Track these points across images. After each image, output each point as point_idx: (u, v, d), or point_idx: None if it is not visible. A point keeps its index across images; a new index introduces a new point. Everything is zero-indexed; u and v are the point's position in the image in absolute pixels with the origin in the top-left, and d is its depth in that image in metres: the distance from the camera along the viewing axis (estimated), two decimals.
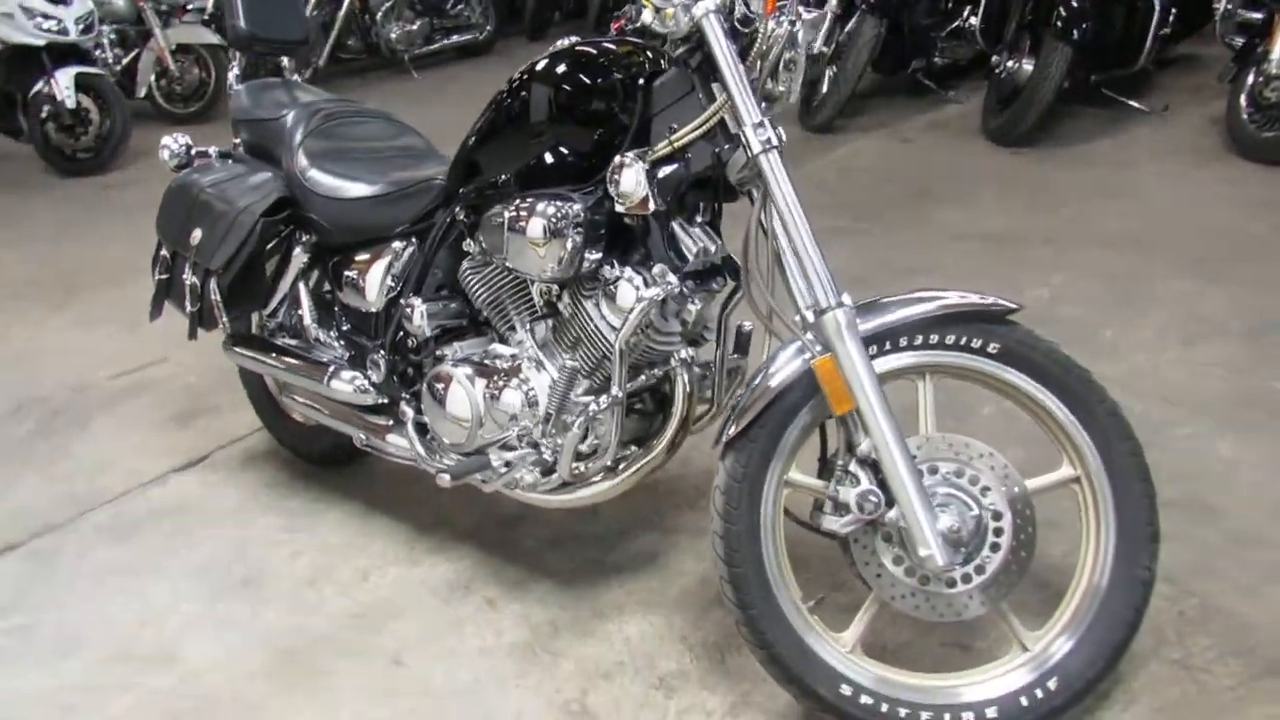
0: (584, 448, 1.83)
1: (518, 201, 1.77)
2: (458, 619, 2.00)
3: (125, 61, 7.17)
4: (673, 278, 1.70)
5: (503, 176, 1.83)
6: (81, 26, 5.98)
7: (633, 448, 1.88)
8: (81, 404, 3.07)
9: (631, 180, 1.65)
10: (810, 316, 1.56)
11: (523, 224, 1.73)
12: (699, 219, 1.77)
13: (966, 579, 1.53)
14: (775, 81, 1.63)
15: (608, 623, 1.94)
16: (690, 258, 1.72)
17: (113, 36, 7.21)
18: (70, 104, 5.93)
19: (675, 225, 1.74)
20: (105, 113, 6.08)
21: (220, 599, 2.14)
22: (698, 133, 1.64)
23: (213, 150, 2.40)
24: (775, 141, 1.57)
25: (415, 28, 8.15)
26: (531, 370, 1.88)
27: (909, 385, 1.61)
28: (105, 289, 3.97)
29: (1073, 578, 1.60)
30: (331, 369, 2.16)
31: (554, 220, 1.71)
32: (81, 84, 5.93)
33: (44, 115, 5.95)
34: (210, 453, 2.73)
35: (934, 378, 1.61)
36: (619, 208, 1.69)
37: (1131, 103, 5.00)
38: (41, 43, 5.81)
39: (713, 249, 1.74)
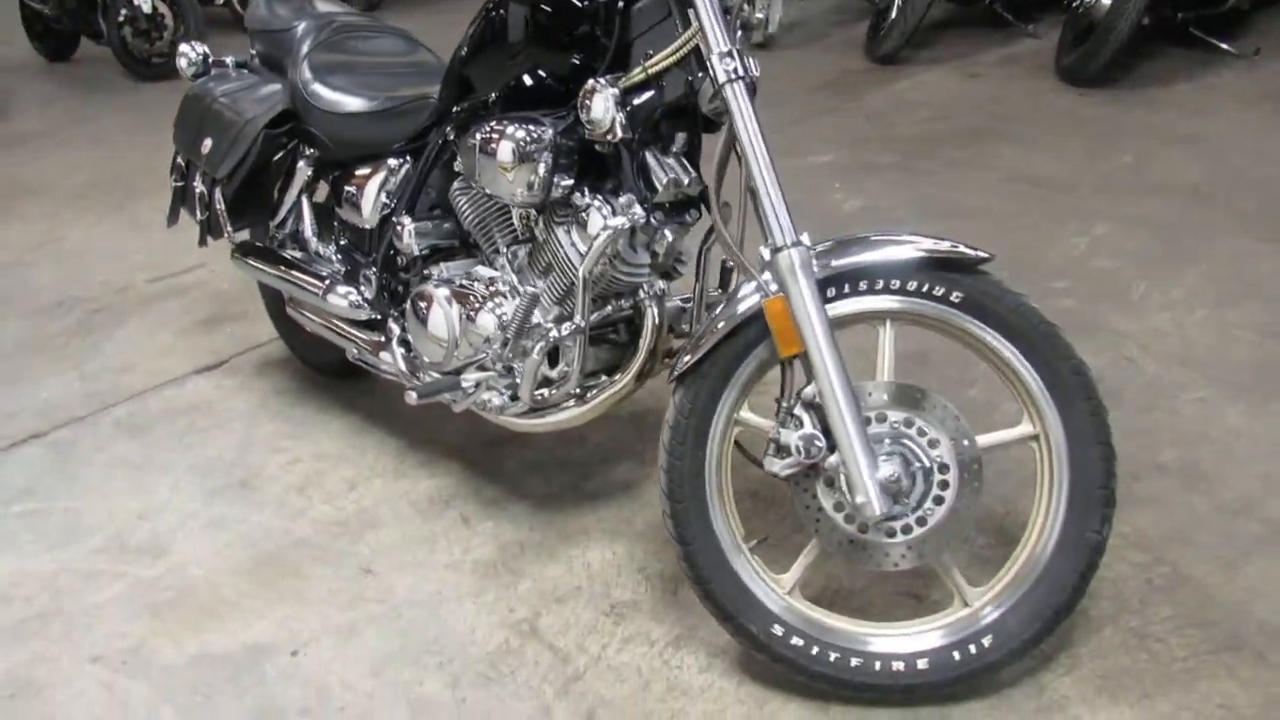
0: (554, 374, 1.84)
1: (491, 124, 1.75)
2: (431, 534, 2.06)
3: None
4: (639, 209, 1.68)
5: (489, 96, 1.82)
6: None
7: (604, 377, 1.88)
8: (120, 304, 3.20)
9: (601, 106, 1.62)
10: (767, 254, 1.52)
11: (493, 147, 1.72)
12: (674, 149, 1.73)
13: (907, 530, 1.51)
14: (752, 7, 1.57)
15: (572, 548, 1.97)
16: (660, 188, 1.69)
17: None
18: (146, 8, 6.05)
19: (648, 155, 1.70)
20: (179, 18, 6.19)
21: (216, 498, 2.23)
22: (671, 60, 1.60)
23: (229, 60, 2.43)
24: (742, 72, 1.52)
25: None
26: (507, 294, 1.88)
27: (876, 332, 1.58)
28: (162, 194, 4.05)
29: (1019, 539, 1.56)
30: (328, 283, 2.20)
31: (523, 144, 1.69)
32: None
33: (121, 19, 6.09)
34: (230, 358, 2.82)
35: (895, 325, 1.57)
36: (589, 134, 1.67)
37: (1219, 44, 4.69)
38: None
39: (685, 181, 1.71)
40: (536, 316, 1.83)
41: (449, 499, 2.15)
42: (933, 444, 1.51)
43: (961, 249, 1.53)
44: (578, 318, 1.73)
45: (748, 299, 1.54)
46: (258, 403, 2.60)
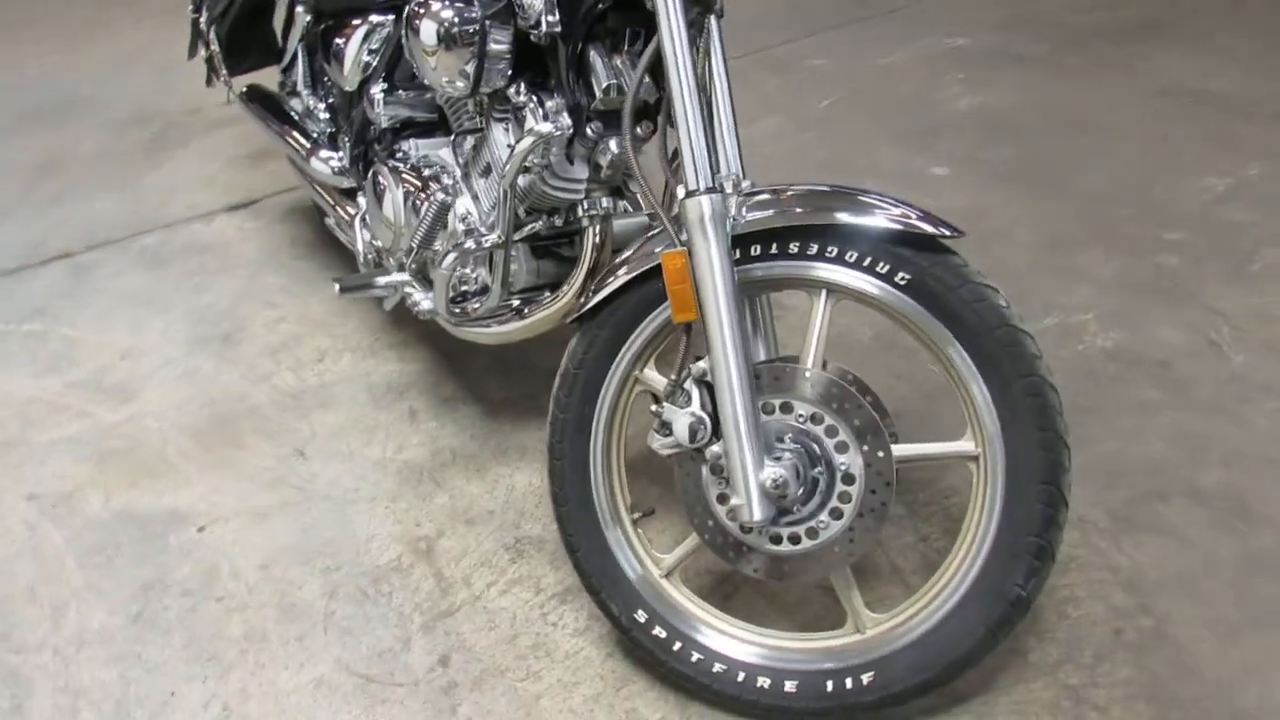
0: (475, 286, 1.67)
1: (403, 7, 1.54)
2: (375, 424, 1.97)
3: None
4: (565, 118, 1.45)
5: None
6: None
7: (548, 293, 1.70)
8: (188, 126, 3.20)
9: None
10: (680, 195, 1.27)
11: (417, 24, 1.50)
12: (626, 50, 1.46)
13: (794, 540, 1.29)
14: None
15: (503, 465, 1.85)
16: (599, 94, 1.45)
17: None
18: None
19: (592, 53, 1.45)
20: None
21: (197, 349, 2.22)
22: None
23: None
24: None
25: None
26: (448, 188, 1.70)
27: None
28: None
29: (938, 568, 1.32)
30: (311, 145, 2.07)
31: (447, 26, 1.47)
32: None
33: None
34: (260, 198, 2.78)
35: (832, 300, 1.30)
36: (520, 22, 1.43)
37: None
38: None
39: (629, 87, 1.45)
40: (461, 221, 1.65)
41: (405, 388, 2.06)
42: (841, 447, 1.27)
43: (917, 221, 1.23)
44: (497, 232, 1.54)
45: (653, 247, 1.31)
46: (270, 250, 2.56)
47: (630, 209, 1.64)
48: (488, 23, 1.47)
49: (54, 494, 1.86)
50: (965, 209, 2.56)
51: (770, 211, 1.27)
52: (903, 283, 1.24)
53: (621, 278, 1.33)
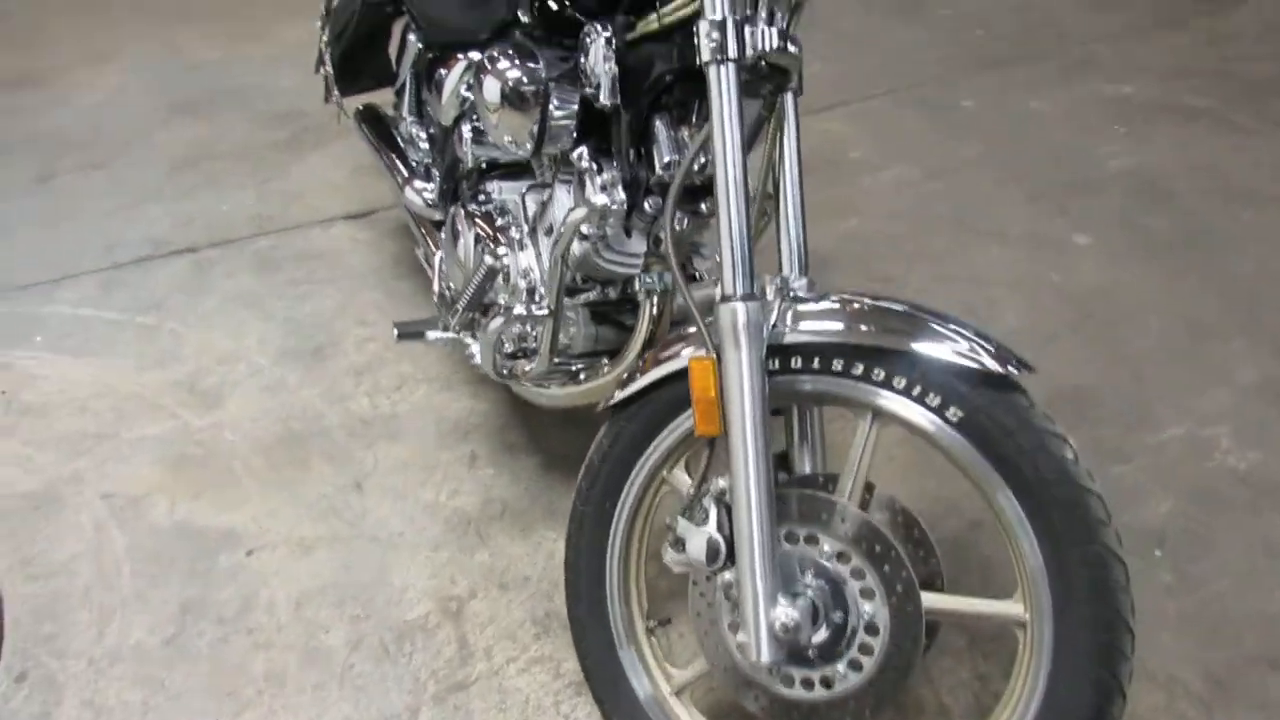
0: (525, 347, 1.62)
1: (494, 48, 1.48)
2: (435, 464, 1.95)
3: None
4: (620, 192, 1.37)
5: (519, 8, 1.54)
6: None
7: (605, 360, 1.63)
8: (325, 130, 3.27)
9: (594, 57, 1.31)
10: (717, 297, 1.18)
11: (483, 78, 1.45)
12: (694, 121, 1.37)
13: (808, 686, 1.18)
14: None
15: (549, 528, 1.79)
16: (659, 168, 1.36)
17: None
18: None
19: (657, 124, 1.36)
20: None
21: (286, 360, 2.26)
22: (686, 11, 1.23)
23: None
24: (734, 52, 1.13)
25: None
26: (513, 242, 1.65)
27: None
28: None
29: None
30: (408, 174, 2.06)
31: (511, 84, 1.42)
32: None
33: None
34: (377, 210, 2.82)
35: (878, 422, 1.17)
36: (585, 89, 1.36)
37: None
38: None
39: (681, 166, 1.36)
40: (523, 278, 1.59)
41: (471, 429, 2.03)
42: (867, 594, 1.15)
43: (984, 357, 1.09)
44: (546, 302, 1.48)
45: (686, 346, 1.22)
46: (375, 265, 2.58)
47: (702, 276, 1.56)
48: (552, 85, 1.41)
49: (126, 496, 1.93)
50: (1098, 285, 2.34)
51: (817, 324, 1.16)
52: (955, 419, 1.11)
53: (650, 375, 1.25)
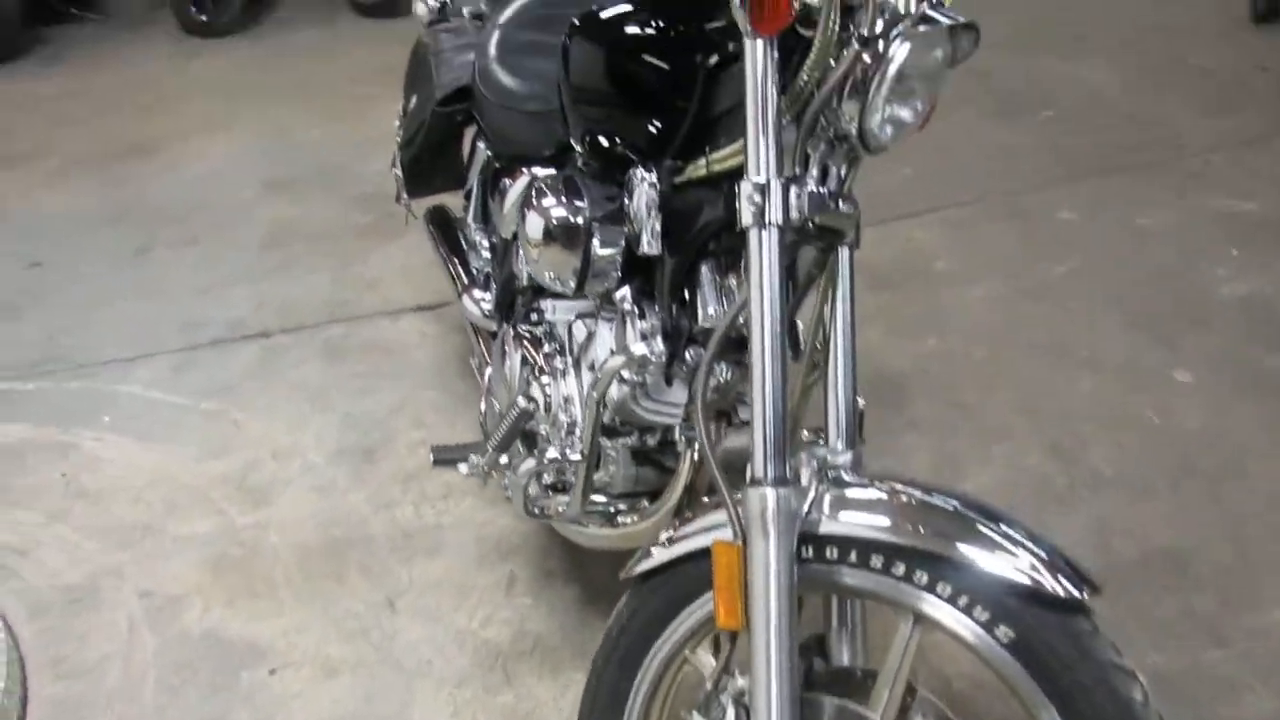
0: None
1: (535, 176, 1.44)
2: (472, 585, 1.88)
3: None
4: (659, 342, 1.29)
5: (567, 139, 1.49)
6: None
7: (645, 502, 1.54)
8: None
9: (639, 203, 1.25)
10: (747, 478, 1.08)
11: (527, 213, 1.41)
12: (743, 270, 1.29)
13: None
14: (837, 118, 1.08)
15: (578, 669, 1.69)
16: (701, 318, 1.28)
17: None
18: None
19: (704, 269, 1.29)
20: None
21: (339, 460, 2.24)
22: (734, 161, 1.16)
23: (466, 10, 2.27)
24: (777, 218, 1.05)
25: None
26: (556, 372, 1.58)
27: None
28: None
29: None
30: (468, 280, 2.03)
31: (555, 222, 1.36)
32: None
33: None
34: (447, 303, 2.80)
35: (920, 627, 1.05)
36: (628, 232, 1.29)
37: None
38: None
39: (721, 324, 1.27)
40: (563, 410, 1.52)
41: (512, 550, 1.96)
42: None
43: (1047, 576, 0.96)
44: (579, 446, 1.40)
45: (713, 521, 1.12)
46: (439, 362, 2.56)
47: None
48: (596, 225, 1.35)
49: (164, 595, 1.91)
50: (1201, 430, 2.15)
51: (857, 516, 1.05)
52: (1005, 639, 0.98)
53: (673, 550, 1.15)
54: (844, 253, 1.21)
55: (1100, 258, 2.83)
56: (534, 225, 1.40)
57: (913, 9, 1.06)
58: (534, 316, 1.74)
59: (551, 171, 1.54)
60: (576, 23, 1.38)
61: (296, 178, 3.65)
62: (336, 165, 3.71)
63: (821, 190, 1.12)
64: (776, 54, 1.10)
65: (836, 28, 1.07)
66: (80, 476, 2.24)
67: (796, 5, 1.08)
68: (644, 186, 1.26)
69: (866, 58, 1.07)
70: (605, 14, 1.34)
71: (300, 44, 5.12)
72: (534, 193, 1.43)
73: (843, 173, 1.15)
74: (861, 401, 1.18)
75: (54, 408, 2.47)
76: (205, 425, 2.38)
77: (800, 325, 1.32)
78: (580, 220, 1.36)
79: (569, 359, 1.60)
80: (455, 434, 2.28)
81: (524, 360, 1.64)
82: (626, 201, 1.29)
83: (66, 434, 2.37)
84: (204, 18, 5.25)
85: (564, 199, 1.38)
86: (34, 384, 2.57)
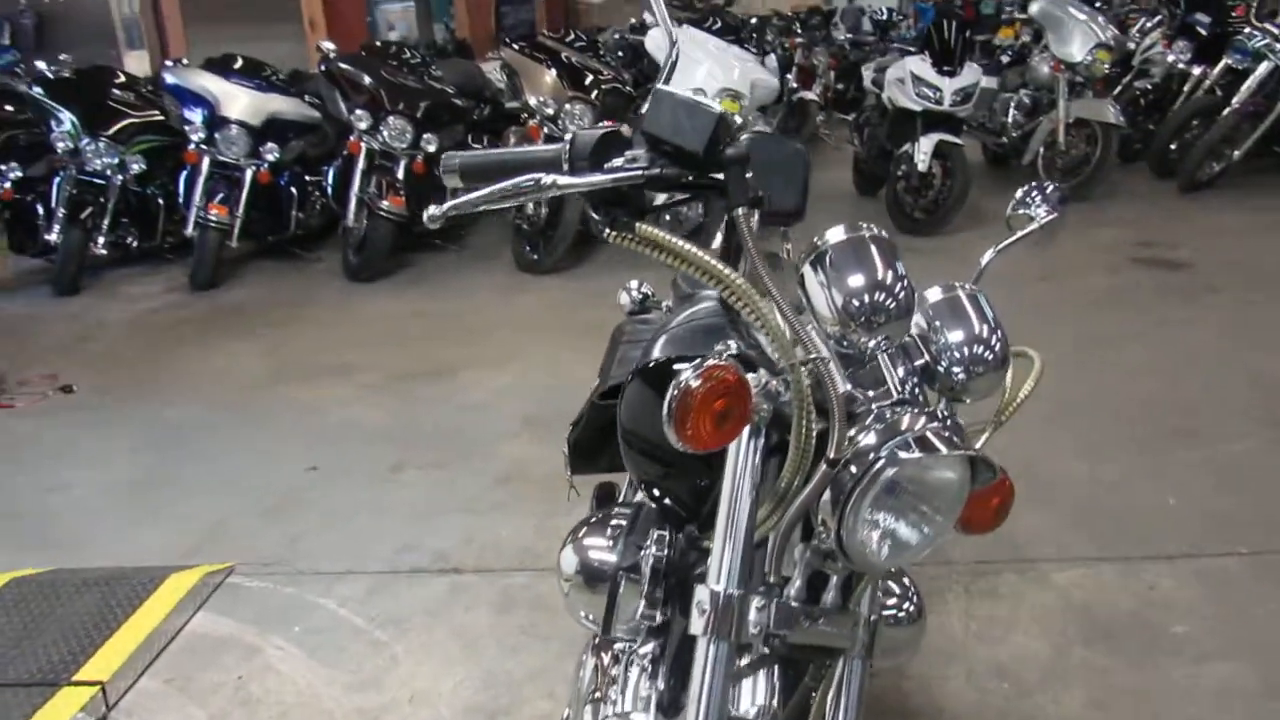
0: None
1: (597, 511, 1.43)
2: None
3: (1026, 128, 7.23)
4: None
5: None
6: (957, 98, 6.19)
7: None
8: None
9: (646, 565, 1.22)
10: None
11: (563, 549, 1.40)
12: None
13: None
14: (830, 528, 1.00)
15: None
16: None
17: (1024, 102, 7.33)
18: (922, 168, 6.23)
19: None
20: (949, 176, 6.25)
21: (464, 718, 2.26)
22: None
23: (665, 304, 2.38)
24: (730, 631, 0.97)
25: None
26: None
27: None
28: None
29: None
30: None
31: (585, 564, 1.35)
32: (940, 151, 6.18)
33: (900, 174, 6.39)
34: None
35: None
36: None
37: None
38: (918, 109, 6.21)
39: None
40: None
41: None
42: None
43: None
44: None
45: None
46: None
47: None
48: (622, 574, 1.31)
49: None
50: None
51: None
52: None
53: None
54: (853, 665, 1.08)
55: None
56: (569, 561, 1.39)
57: (914, 427, 0.98)
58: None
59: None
60: (640, 366, 1.40)
61: (552, 417, 3.89)
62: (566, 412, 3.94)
63: (796, 604, 1.03)
64: (757, 458, 1.06)
65: (811, 438, 1.01)
66: (251, 683, 2.44)
67: (756, 417, 1.04)
68: (652, 549, 1.22)
69: (854, 469, 1.00)
70: (660, 368, 1.35)
71: (608, 288, 5.60)
72: (576, 529, 1.43)
73: (840, 586, 1.06)
74: None
75: (263, 608, 2.74)
76: (369, 655, 2.52)
77: None
78: (607, 566, 1.34)
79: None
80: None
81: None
82: (642, 561, 1.26)
83: (260, 637, 2.62)
84: (535, 256, 5.94)
85: (597, 540, 1.37)
86: (259, 582, 2.88)
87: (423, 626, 2.62)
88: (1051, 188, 1.55)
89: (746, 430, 1.11)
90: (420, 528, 3.12)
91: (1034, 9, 6.95)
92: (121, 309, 5.78)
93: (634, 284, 2.39)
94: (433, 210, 1.05)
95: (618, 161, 1.11)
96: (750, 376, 1.07)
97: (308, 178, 6.42)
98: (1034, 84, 7.14)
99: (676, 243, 1.06)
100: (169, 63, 7.32)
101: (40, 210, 5.96)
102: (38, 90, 6.09)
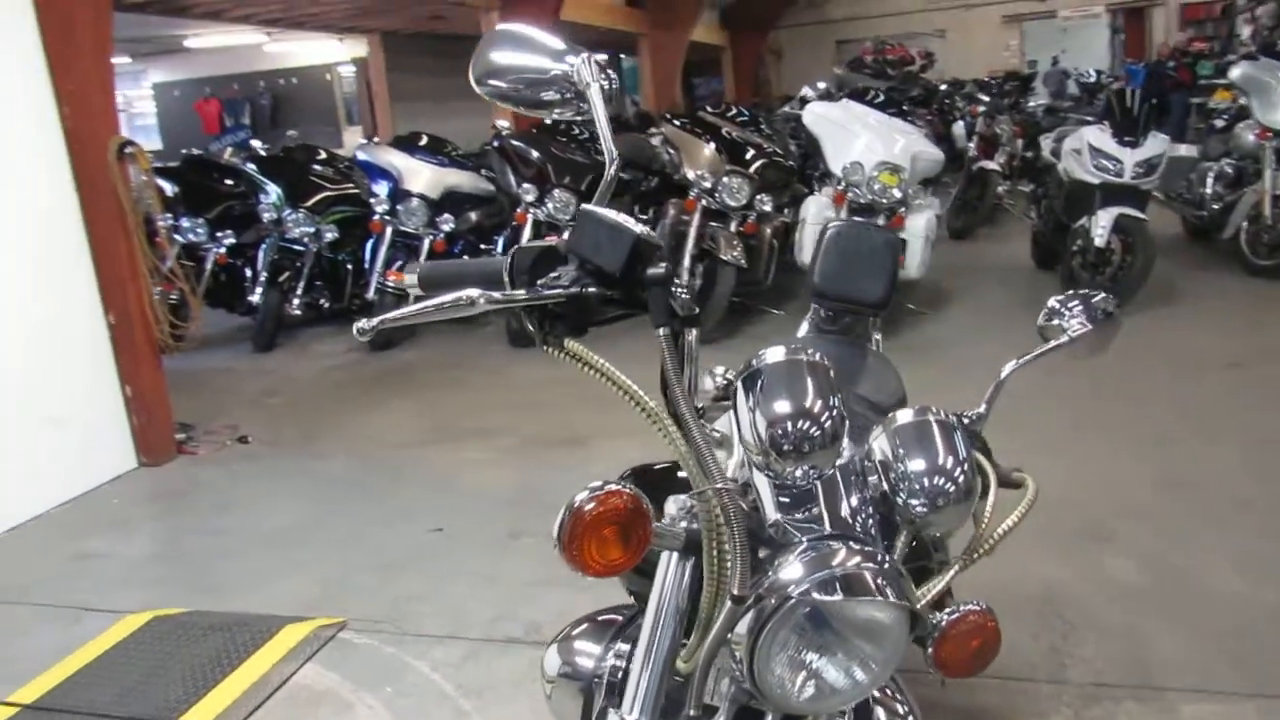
0: None
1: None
2: None
3: (1228, 200, 6.72)
4: None
5: None
6: (1140, 170, 5.83)
7: None
8: None
9: None
10: None
11: (552, 644, 1.41)
12: None
13: None
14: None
15: None
16: None
17: (1226, 171, 6.84)
18: (1100, 243, 5.90)
19: None
20: (1129, 252, 5.87)
21: None
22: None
23: None
24: None
25: None
26: None
27: None
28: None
29: None
30: None
31: (564, 668, 1.35)
32: (1121, 225, 5.83)
33: (1075, 248, 6.06)
34: None
35: None
36: None
37: None
38: (1096, 181, 5.89)
39: None
40: None
41: None
42: None
43: None
44: None
45: None
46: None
47: None
48: (597, 682, 1.31)
49: None
50: None
51: None
52: None
53: None
54: None
55: None
56: (551, 663, 1.39)
57: (846, 564, 0.94)
58: None
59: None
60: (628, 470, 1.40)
61: None
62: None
63: None
64: (685, 583, 1.04)
65: (725, 569, 0.99)
66: None
67: (676, 542, 1.02)
68: (611, 661, 1.21)
69: (773, 602, 0.97)
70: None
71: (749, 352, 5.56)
72: (568, 629, 1.43)
73: None
74: None
75: (364, 666, 2.87)
76: (443, 716, 2.58)
77: None
78: (587, 674, 1.33)
79: None
80: None
81: None
82: None
83: (355, 694, 2.74)
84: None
85: (587, 653, 1.37)
86: (366, 639, 3.01)
87: (504, 698, 2.66)
88: (1100, 296, 1.45)
89: (675, 556, 1.09)
90: (520, 597, 3.18)
91: (1234, 74, 6.47)
92: (308, 365, 6.28)
93: (720, 370, 2.38)
94: (361, 324, 1.10)
95: (554, 277, 1.13)
96: (674, 499, 1.05)
97: (481, 245, 6.78)
98: (1238, 152, 6.62)
99: (599, 361, 1.07)
100: (363, 140, 7.97)
101: (248, 274, 6.58)
102: (250, 166, 6.77)
